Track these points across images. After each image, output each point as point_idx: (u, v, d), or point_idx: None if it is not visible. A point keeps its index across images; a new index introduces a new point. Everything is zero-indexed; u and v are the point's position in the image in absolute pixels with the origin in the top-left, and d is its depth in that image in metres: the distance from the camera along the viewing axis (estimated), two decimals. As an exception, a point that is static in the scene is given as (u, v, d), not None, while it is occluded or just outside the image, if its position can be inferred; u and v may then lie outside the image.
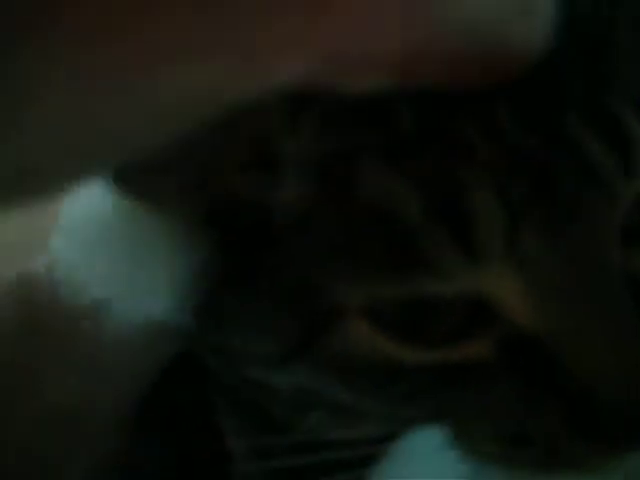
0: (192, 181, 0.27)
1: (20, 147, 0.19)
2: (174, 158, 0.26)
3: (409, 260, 0.25)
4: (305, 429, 0.30)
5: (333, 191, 0.26)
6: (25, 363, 0.32)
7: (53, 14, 0.17)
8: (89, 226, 0.30)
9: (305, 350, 0.28)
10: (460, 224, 0.25)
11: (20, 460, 0.31)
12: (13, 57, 0.17)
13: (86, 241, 0.30)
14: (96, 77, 0.19)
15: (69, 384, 0.31)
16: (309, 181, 0.26)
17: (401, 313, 0.26)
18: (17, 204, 0.21)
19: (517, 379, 0.26)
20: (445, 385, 0.27)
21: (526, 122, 0.26)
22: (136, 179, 0.27)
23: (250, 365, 0.30)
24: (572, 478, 0.28)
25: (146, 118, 0.20)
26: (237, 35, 0.19)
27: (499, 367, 0.26)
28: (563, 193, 0.26)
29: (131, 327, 0.30)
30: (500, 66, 0.24)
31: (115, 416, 0.32)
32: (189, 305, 0.29)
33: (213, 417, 0.34)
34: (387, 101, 0.25)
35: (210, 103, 0.21)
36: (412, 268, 0.25)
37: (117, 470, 0.32)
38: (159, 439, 0.34)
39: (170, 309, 0.29)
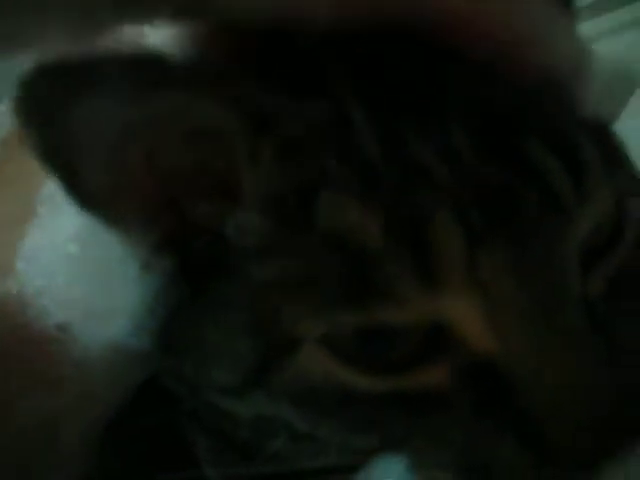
0: (153, 205, 0.27)
1: None
2: (137, 179, 0.26)
3: (367, 288, 0.25)
4: (269, 456, 0.30)
5: (291, 222, 0.26)
6: None
7: None
8: (50, 251, 0.30)
9: (261, 377, 0.28)
10: (418, 251, 0.25)
11: None
12: None
13: (48, 266, 0.30)
14: None
15: (37, 407, 0.31)
16: (268, 211, 0.26)
17: (357, 340, 0.26)
18: None
19: (473, 407, 0.26)
20: (400, 413, 0.27)
21: (484, 145, 0.26)
22: (99, 200, 0.27)
23: (209, 391, 0.30)
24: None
25: None
26: None
27: (455, 394, 0.26)
28: (524, 218, 0.26)
29: (95, 350, 0.30)
30: None
31: (83, 438, 0.32)
32: (148, 329, 0.29)
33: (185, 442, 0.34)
34: (345, 128, 0.26)
35: None
36: (370, 296, 0.25)
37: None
38: (128, 461, 0.34)
39: (130, 333, 0.29)
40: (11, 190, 0.35)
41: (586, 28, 0.32)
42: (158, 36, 0.28)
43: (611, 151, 0.29)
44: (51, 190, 0.32)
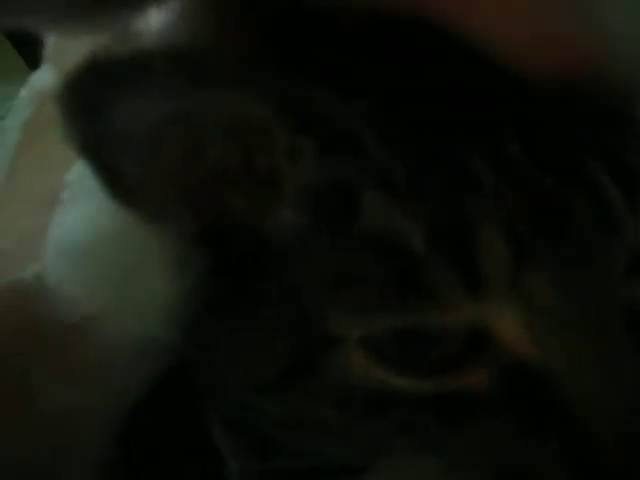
0: (191, 200, 0.27)
1: None
2: (176, 174, 0.26)
3: (409, 292, 0.25)
4: (291, 453, 0.30)
5: (331, 220, 0.26)
6: (16, 369, 0.31)
7: None
8: (80, 241, 0.30)
9: (296, 377, 0.27)
10: (463, 257, 0.25)
11: (12, 462, 0.31)
12: None
13: (76, 256, 0.30)
14: None
15: (58, 392, 0.31)
16: (307, 208, 0.26)
17: (396, 342, 0.26)
18: None
19: (514, 412, 0.26)
20: (439, 416, 0.26)
21: (543, 159, 0.26)
22: (137, 195, 0.27)
23: (238, 388, 0.29)
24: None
25: None
26: None
27: (496, 399, 0.26)
28: (577, 233, 0.25)
29: (119, 344, 0.30)
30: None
31: (104, 430, 0.32)
32: (180, 324, 0.29)
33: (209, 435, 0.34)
34: (390, 131, 0.25)
35: None
36: (412, 300, 0.25)
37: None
38: (150, 452, 0.34)
39: (161, 327, 0.29)
40: (36, 175, 0.34)
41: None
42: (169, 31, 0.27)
43: None
44: (77, 176, 0.31)
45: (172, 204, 0.27)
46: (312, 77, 0.26)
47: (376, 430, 0.28)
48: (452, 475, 0.28)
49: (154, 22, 0.28)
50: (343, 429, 0.28)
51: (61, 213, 0.31)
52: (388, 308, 0.25)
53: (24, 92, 0.40)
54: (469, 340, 0.26)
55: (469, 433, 0.27)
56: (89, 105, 0.24)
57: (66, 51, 0.34)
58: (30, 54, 0.42)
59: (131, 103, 0.24)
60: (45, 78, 0.39)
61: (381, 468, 0.29)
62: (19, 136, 0.38)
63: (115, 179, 0.26)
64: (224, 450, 0.33)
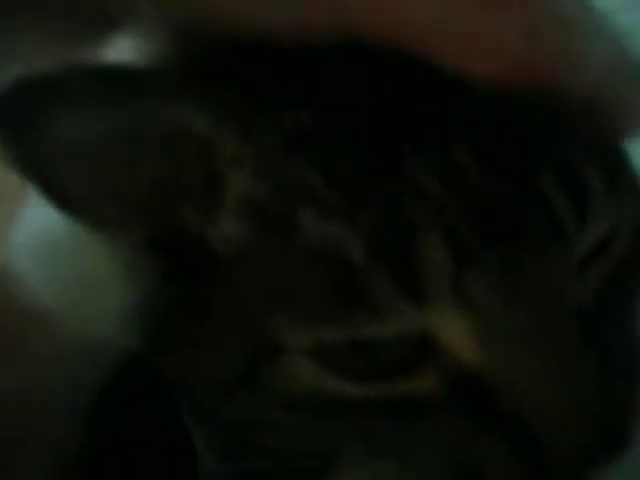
0: (135, 210, 0.27)
1: None
2: (118, 187, 0.26)
3: (352, 302, 0.25)
4: (259, 451, 0.30)
5: (273, 230, 0.26)
6: None
7: None
8: (44, 238, 0.30)
9: (248, 381, 0.27)
10: (404, 266, 0.25)
11: None
12: None
13: (39, 252, 0.30)
14: None
15: (19, 380, 0.31)
16: (249, 219, 0.26)
17: (344, 349, 0.26)
18: None
19: (463, 414, 0.26)
20: (390, 419, 0.27)
21: (492, 168, 0.26)
22: (81, 207, 0.27)
23: (198, 391, 0.30)
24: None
25: None
26: None
27: (444, 402, 0.26)
28: (524, 240, 0.25)
29: (78, 341, 0.30)
30: None
31: (62, 415, 0.32)
32: (136, 330, 0.29)
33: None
34: (330, 139, 0.25)
35: None
36: (355, 310, 0.25)
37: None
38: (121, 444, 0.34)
39: (117, 332, 0.29)
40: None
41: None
42: (120, 50, 0.28)
43: (618, 174, 0.29)
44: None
45: (116, 214, 0.27)
46: (246, 91, 0.26)
47: (329, 433, 0.28)
48: (407, 476, 0.28)
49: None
50: (297, 432, 0.28)
51: (29, 204, 0.31)
52: (331, 319, 0.25)
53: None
54: (417, 347, 0.26)
55: (421, 435, 0.27)
56: (15, 124, 0.24)
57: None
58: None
59: (56, 121, 0.24)
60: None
61: (342, 468, 0.29)
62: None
63: (56, 194, 0.26)
64: (197, 443, 0.33)
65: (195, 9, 0.25)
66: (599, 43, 0.28)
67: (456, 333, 0.25)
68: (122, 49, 0.28)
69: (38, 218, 0.30)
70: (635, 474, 0.28)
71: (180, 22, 0.26)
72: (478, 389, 0.26)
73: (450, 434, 0.27)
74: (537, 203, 0.26)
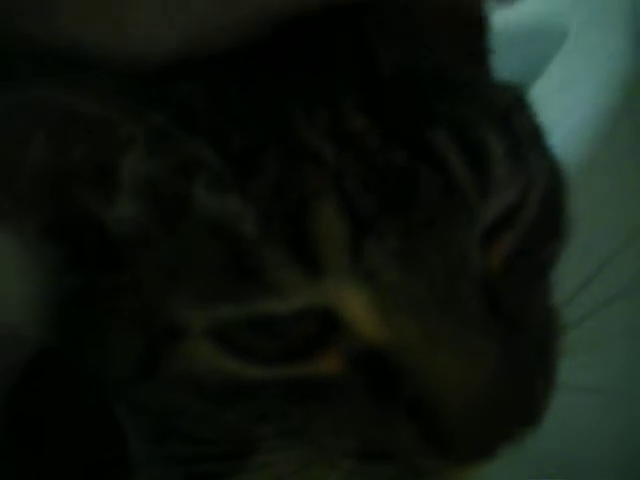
0: (29, 195, 0.26)
1: None
2: (8, 173, 0.25)
3: (247, 278, 0.24)
4: (182, 436, 0.30)
5: (167, 208, 0.25)
6: None
7: None
8: None
9: (151, 368, 0.27)
10: (297, 237, 0.24)
11: None
12: None
13: None
14: None
15: None
16: (142, 197, 0.25)
17: (243, 329, 0.25)
18: None
19: (369, 393, 0.26)
20: (296, 401, 0.26)
21: (383, 128, 0.25)
22: None
23: (110, 380, 0.29)
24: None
25: None
26: None
27: (350, 381, 0.26)
28: (422, 206, 0.25)
29: None
30: None
31: None
32: (42, 319, 0.28)
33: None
34: (219, 110, 0.25)
35: None
36: (251, 286, 0.24)
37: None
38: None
39: (22, 322, 0.29)
40: None
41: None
42: None
43: (520, 134, 0.28)
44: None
45: (9, 203, 0.26)
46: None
47: (238, 417, 0.27)
48: (318, 457, 0.27)
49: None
50: (209, 417, 0.28)
51: None
52: (227, 297, 0.25)
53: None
54: (319, 325, 0.25)
55: (327, 416, 0.26)
56: None
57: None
58: None
59: None
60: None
61: (266, 452, 0.28)
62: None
63: None
64: (127, 429, 0.33)
65: None
66: None
67: (357, 306, 0.25)
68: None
69: None
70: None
71: None
72: (383, 368, 0.25)
73: (356, 415, 0.26)
74: (433, 168, 0.25)
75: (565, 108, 0.30)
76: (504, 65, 0.31)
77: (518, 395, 0.25)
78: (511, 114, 0.28)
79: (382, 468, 0.26)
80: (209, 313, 0.25)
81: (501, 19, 0.31)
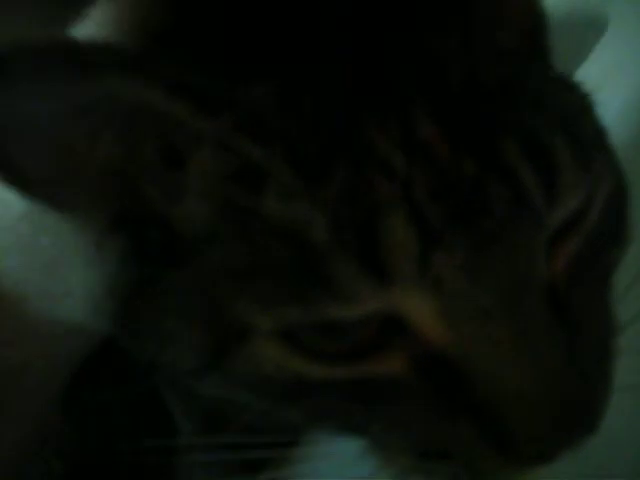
0: (98, 189, 0.27)
1: None
2: (80, 165, 0.26)
3: (316, 283, 0.24)
4: (239, 427, 0.30)
5: (235, 208, 0.25)
6: None
7: None
8: (14, 229, 0.30)
9: (216, 363, 0.27)
10: (368, 246, 0.24)
11: None
12: None
13: (11, 243, 0.30)
14: None
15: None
16: (211, 196, 0.26)
17: (310, 330, 0.26)
18: None
19: (432, 394, 0.26)
20: (358, 399, 0.26)
21: (454, 139, 0.25)
22: (40, 186, 0.26)
23: (171, 371, 0.30)
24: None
25: None
26: None
27: (413, 382, 0.26)
28: (491, 217, 0.25)
29: (50, 322, 0.31)
30: None
31: (43, 388, 0.33)
32: (106, 311, 0.29)
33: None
34: (293, 114, 0.25)
35: None
36: (319, 291, 0.24)
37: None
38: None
39: (86, 314, 0.29)
40: None
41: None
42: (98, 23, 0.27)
43: (586, 137, 0.28)
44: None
45: (76, 195, 0.26)
46: (212, 63, 0.25)
47: (299, 413, 0.28)
48: (376, 453, 0.28)
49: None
50: (266, 410, 0.28)
51: None
52: (295, 300, 0.25)
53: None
54: (384, 327, 0.25)
55: (391, 414, 0.27)
56: None
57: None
58: None
59: (15, 100, 0.23)
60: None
61: (308, 445, 0.29)
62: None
63: (12, 174, 0.25)
64: (178, 417, 0.34)
65: None
66: None
67: (424, 314, 0.25)
68: (99, 23, 0.27)
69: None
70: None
71: None
72: (448, 372, 0.26)
73: (417, 414, 0.26)
74: (503, 178, 0.25)
75: (606, 98, 0.30)
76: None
77: (580, 402, 0.25)
78: (578, 117, 0.28)
79: (441, 467, 0.27)
80: (276, 315, 0.25)
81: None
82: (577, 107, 0.29)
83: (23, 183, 0.26)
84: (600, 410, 0.26)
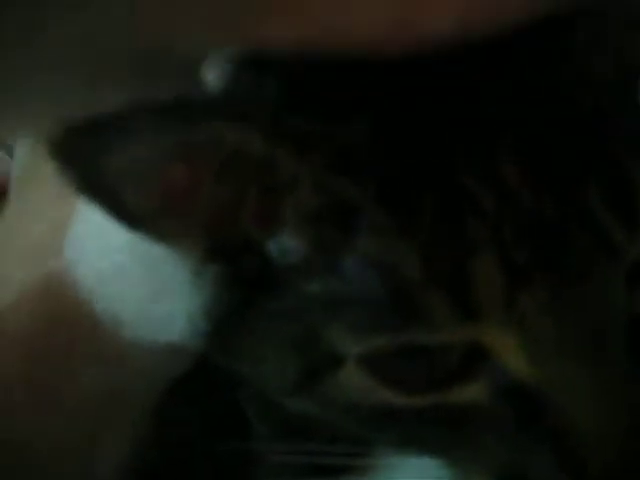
0: (197, 225, 0.28)
1: None
2: (181, 205, 0.27)
3: (407, 313, 0.26)
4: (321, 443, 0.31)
5: (330, 243, 0.27)
6: (57, 353, 0.34)
7: None
8: (100, 256, 0.32)
9: (307, 387, 0.29)
10: (458, 283, 0.25)
11: (45, 447, 0.34)
12: None
13: (98, 270, 0.32)
14: None
15: (98, 374, 0.34)
16: (307, 232, 0.27)
17: (396, 358, 0.27)
18: None
19: (512, 423, 0.27)
20: (440, 426, 0.27)
21: (538, 181, 0.26)
22: (145, 222, 0.28)
23: (262, 389, 0.31)
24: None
25: None
26: None
27: (494, 411, 0.27)
28: (574, 260, 0.25)
29: (152, 343, 0.32)
30: None
31: (139, 409, 0.34)
32: (204, 333, 0.30)
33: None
34: (384, 151, 0.26)
35: None
36: (408, 322, 0.26)
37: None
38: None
39: (186, 336, 0.31)
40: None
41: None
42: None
43: None
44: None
45: (181, 229, 0.28)
46: (302, 109, 0.27)
47: (382, 438, 0.29)
48: (454, 473, 0.29)
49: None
50: (348, 431, 0.30)
51: (82, 220, 0.33)
52: (384, 329, 0.26)
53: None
54: (467, 357, 0.26)
55: (472, 440, 0.28)
56: (77, 161, 0.25)
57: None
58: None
59: (118, 156, 0.25)
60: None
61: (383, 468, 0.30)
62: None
63: (120, 212, 0.27)
64: (259, 432, 0.34)
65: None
66: None
67: (507, 347, 0.26)
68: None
69: (95, 234, 0.32)
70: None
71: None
72: (528, 401, 0.26)
73: (496, 440, 0.27)
74: (584, 222, 0.25)
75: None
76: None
77: None
78: None
79: None
80: (365, 343, 0.26)
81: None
82: None
83: (134, 221, 0.27)
84: None
